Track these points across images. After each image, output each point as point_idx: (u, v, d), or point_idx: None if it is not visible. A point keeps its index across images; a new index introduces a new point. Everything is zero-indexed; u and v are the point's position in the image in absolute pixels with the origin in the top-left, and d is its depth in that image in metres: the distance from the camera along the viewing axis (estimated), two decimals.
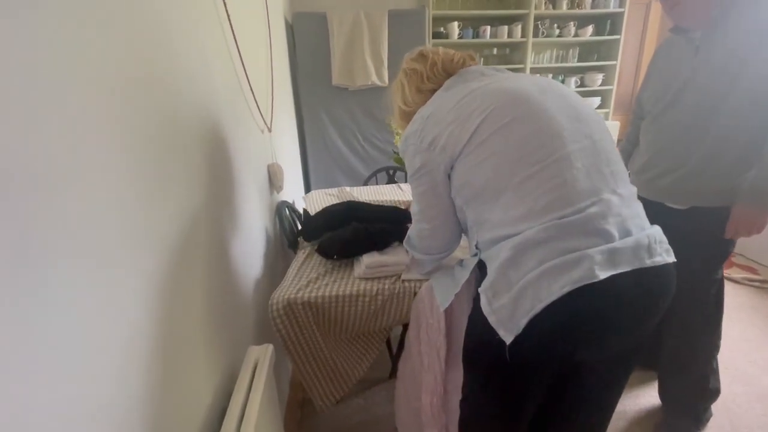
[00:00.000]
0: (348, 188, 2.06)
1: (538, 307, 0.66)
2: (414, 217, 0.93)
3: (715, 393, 1.36)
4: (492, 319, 0.71)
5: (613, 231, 0.69)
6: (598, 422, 0.92)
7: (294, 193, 2.25)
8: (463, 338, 1.08)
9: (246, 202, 1.15)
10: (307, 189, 2.79)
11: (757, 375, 1.63)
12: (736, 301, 2.14)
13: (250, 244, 1.17)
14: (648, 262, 0.68)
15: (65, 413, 0.38)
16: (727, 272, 2.39)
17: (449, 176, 0.81)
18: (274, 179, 1.51)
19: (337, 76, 2.61)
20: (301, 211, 1.70)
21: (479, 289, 0.74)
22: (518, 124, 0.73)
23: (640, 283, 0.69)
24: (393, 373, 1.64)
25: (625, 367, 0.84)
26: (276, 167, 1.54)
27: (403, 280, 1.13)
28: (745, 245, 2.56)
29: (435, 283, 0.99)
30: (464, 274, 0.87)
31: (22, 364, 0.34)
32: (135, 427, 0.49)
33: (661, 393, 1.45)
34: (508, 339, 0.69)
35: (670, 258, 0.72)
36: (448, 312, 1.07)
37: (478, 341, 0.80)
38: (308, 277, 1.17)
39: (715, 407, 1.41)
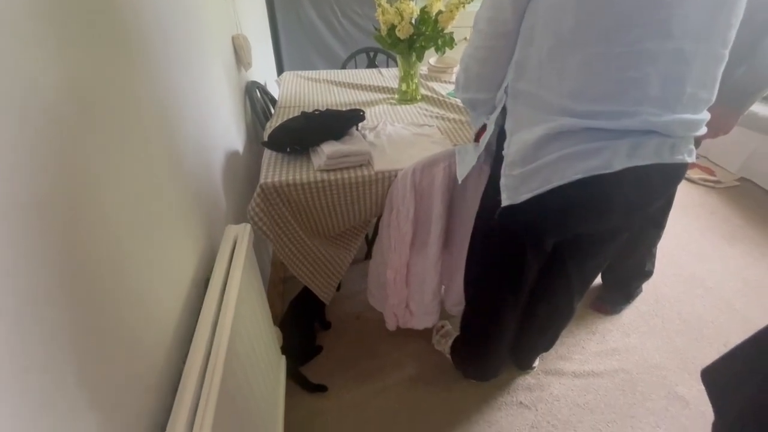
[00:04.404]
0: (324, 72, 1.90)
1: (545, 187, 0.71)
2: (473, 37, 0.84)
3: (648, 274, 1.56)
4: (502, 181, 0.79)
5: (644, 132, 0.68)
6: (579, 290, 1.06)
7: (265, 74, 2.07)
8: (431, 227, 1.15)
9: (210, 74, 1.05)
10: (280, 71, 2.57)
11: (689, 262, 1.86)
12: (687, 199, 2.31)
13: (220, 123, 1.11)
14: (667, 159, 0.70)
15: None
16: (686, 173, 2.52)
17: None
18: (240, 53, 1.37)
19: None
20: (276, 97, 1.59)
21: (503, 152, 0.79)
22: None
23: (652, 175, 0.72)
24: (368, 255, 1.77)
25: (620, 239, 0.91)
26: (242, 39, 1.38)
27: (377, 171, 1.11)
28: (708, 148, 2.64)
29: (459, 158, 1.05)
30: (481, 147, 0.95)
31: None
32: (122, 299, 0.52)
33: (602, 275, 1.64)
34: (504, 202, 0.78)
35: (690, 159, 0.74)
36: (420, 202, 1.12)
37: (489, 210, 0.88)
38: (273, 166, 1.13)
39: (646, 285, 1.63)
